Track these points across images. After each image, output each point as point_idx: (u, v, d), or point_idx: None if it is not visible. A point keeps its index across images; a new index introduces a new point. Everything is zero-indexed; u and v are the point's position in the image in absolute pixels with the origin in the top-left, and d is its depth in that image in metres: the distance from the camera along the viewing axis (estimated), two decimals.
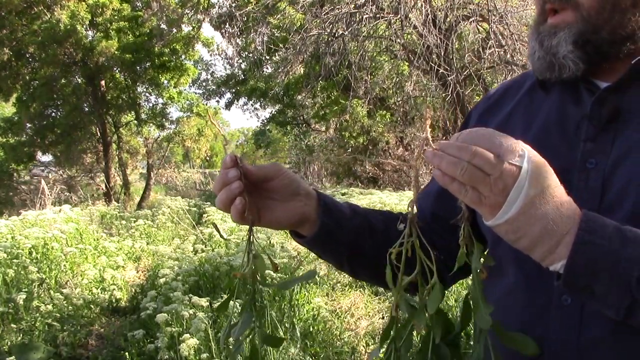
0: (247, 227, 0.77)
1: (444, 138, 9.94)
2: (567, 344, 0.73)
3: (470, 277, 0.67)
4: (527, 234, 0.61)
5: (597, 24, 0.74)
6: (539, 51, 0.78)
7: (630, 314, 0.61)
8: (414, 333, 0.69)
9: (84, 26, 13.00)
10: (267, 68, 12.80)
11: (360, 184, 11.99)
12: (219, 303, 0.80)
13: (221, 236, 0.90)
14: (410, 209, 0.67)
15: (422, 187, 0.86)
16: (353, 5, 7.95)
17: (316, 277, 4.48)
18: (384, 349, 0.70)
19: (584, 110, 0.77)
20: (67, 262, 4.86)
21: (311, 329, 3.64)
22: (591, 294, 0.62)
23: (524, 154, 0.60)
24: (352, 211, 0.88)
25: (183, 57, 14.48)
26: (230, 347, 0.73)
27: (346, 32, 7.95)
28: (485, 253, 0.67)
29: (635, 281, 0.59)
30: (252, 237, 0.76)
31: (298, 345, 3.30)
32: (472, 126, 0.92)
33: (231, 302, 0.76)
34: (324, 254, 0.89)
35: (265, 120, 17.87)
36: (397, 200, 6.80)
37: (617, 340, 0.70)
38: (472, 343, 0.67)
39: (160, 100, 15.40)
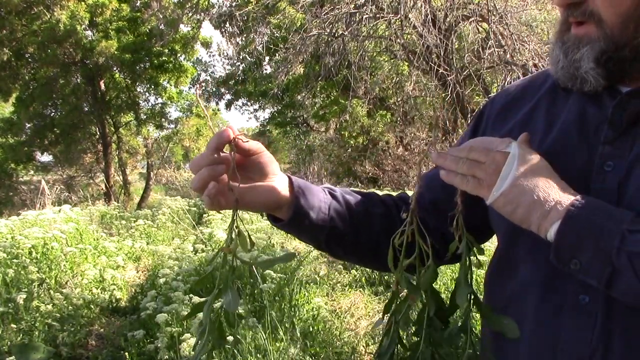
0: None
1: (444, 138, 9.95)
2: (580, 344, 0.73)
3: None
4: (520, 203, 0.70)
5: (619, 41, 0.73)
6: (562, 61, 0.78)
7: (611, 284, 0.66)
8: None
9: (84, 26, 13.00)
10: (267, 68, 12.81)
11: (360, 184, 11.99)
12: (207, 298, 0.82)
13: (240, 221, 0.92)
14: (412, 200, 0.78)
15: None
16: (353, 5, 7.95)
17: (316, 277, 4.48)
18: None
19: (605, 113, 0.77)
20: (67, 262, 4.85)
21: (311, 329, 3.64)
22: (578, 264, 0.67)
23: (511, 143, 0.73)
24: (329, 194, 0.91)
25: (182, 57, 14.49)
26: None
27: (346, 32, 7.95)
28: (476, 244, 0.78)
29: (615, 251, 0.64)
30: (235, 214, 0.77)
31: (298, 345, 3.30)
32: (491, 120, 0.94)
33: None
34: (300, 237, 0.91)
35: (265, 121, 17.86)
36: None
37: (632, 345, 0.70)
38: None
39: (160, 100, 15.42)
